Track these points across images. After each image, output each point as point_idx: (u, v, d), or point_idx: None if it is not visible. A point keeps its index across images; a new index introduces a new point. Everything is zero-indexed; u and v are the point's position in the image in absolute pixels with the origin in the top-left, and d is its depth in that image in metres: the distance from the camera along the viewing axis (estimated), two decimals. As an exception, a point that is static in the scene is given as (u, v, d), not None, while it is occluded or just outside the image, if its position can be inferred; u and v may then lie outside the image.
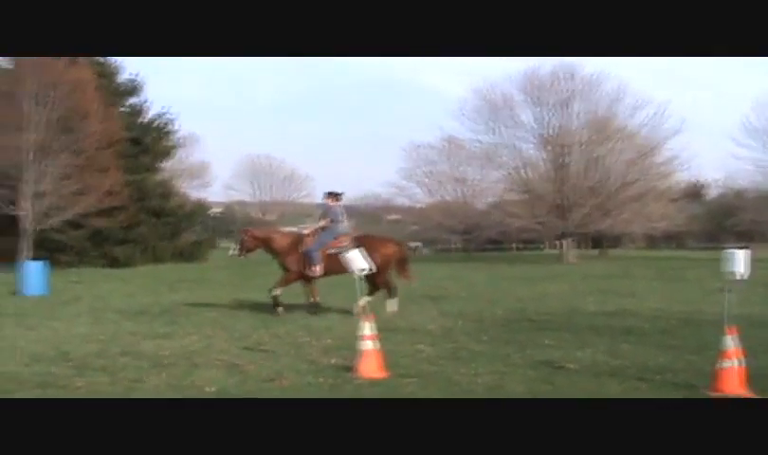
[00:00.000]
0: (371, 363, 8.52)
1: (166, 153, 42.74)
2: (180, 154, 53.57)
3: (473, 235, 60.51)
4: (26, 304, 16.90)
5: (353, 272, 10.03)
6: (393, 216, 79.24)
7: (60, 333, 12.03)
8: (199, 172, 75.85)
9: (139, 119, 39.68)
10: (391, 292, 15.07)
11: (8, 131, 28.61)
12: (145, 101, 40.77)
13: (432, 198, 61.14)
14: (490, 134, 48.06)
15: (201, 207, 49.51)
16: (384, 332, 9.33)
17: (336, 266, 14.21)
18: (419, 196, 61.98)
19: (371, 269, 10.04)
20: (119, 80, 39.53)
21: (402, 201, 66.39)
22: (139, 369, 8.90)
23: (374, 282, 14.69)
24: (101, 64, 36.79)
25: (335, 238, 14.96)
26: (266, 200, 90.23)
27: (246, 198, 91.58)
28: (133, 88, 40.08)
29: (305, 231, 15.70)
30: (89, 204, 29.59)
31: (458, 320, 13.65)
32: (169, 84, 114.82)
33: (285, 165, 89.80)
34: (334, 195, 15.60)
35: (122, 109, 37.88)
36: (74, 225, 30.83)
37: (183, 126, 47.08)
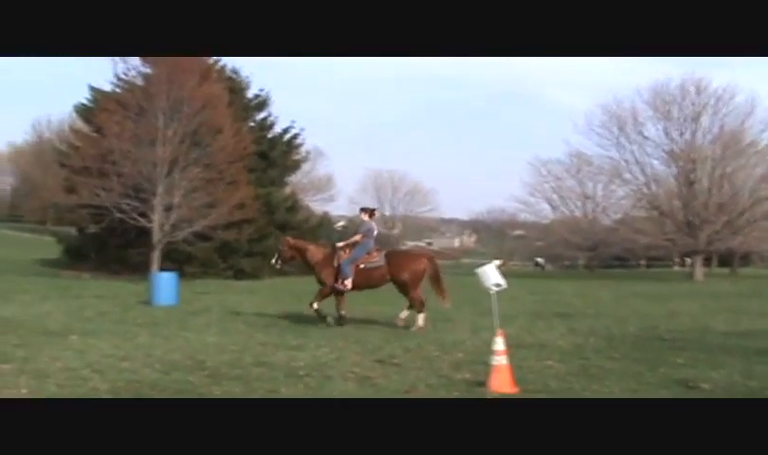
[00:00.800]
0: (503, 378, 8.28)
1: (293, 167, 43.36)
2: (306, 167, 54.41)
3: (598, 252, 59.28)
4: (158, 314, 17.14)
5: (488, 288, 9.59)
6: (518, 231, 78.70)
7: (192, 342, 12.07)
8: (324, 185, 76.94)
9: (267, 134, 40.30)
10: (418, 307, 14.90)
11: (142, 145, 29.50)
12: (272, 116, 41.46)
13: (558, 214, 60.31)
14: (617, 149, 47.02)
15: (326, 220, 50.02)
16: (512, 348, 8.95)
17: (365, 281, 15.19)
18: (545, 212, 61.33)
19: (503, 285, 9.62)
20: (248, 95, 40.25)
21: (526, 216, 65.84)
22: (275, 379, 8.83)
23: (407, 296, 15.12)
24: (232, 80, 37.59)
25: (367, 253, 15.26)
26: (390, 214, 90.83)
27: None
28: (261, 103, 40.78)
29: (340, 245, 15.74)
30: (219, 217, 30.10)
31: (588, 337, 13.23)
32: (294, 100, 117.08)
33: (409, 179, 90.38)
34: (369, 211, 16.13)
35: (251, 124, 38.55)
36: (202, 237, 31.40)
37: (308, 140, 47.62)
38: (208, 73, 32.38)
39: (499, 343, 8.42)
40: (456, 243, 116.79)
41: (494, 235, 69.35)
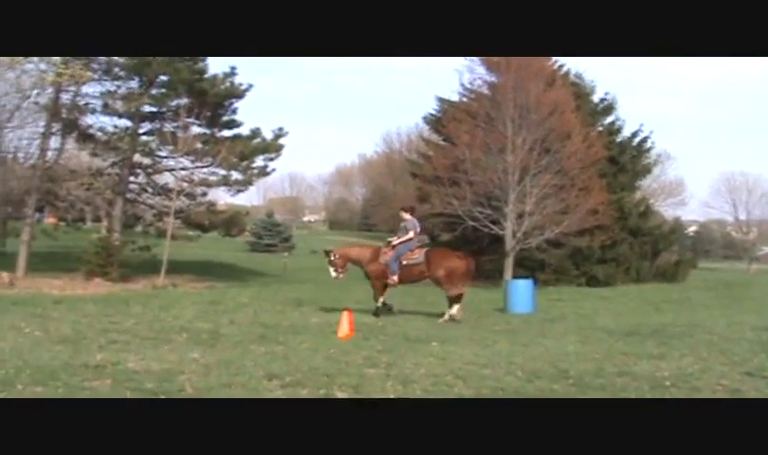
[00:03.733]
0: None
1: (643, 171, 41.82)
2: (655, 171, 52.49)
3: None
4: (514, 321, 17.01)
5: None
6: None
7: (552, 350, 11.72)
8: (674, 189, 74.11)
9: (615, 138, 39.20)
10: (456, 301, 16.42)
11: (491, 153, 29.87)
12: (619, 120, 40.30)
13: None
14: None
15: (678, 225, 47.81)
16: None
17: (407, 276, 16.68)
18: None
19: None
20: (594, 100, 39.47)
21: None
22: (639, 390, 8.32)
23: (445, 293, 16.67)
24: (576, 85, 37.03)
25: (410, 250, 16.57)
26: (745, 218, 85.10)
27: (726, 216, 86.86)
28: (607, 107, 39.76)
29: (393, 242, 16.93)
30: (571, 223, 29.64)
31: None
32: (642, 103, 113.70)
33: (763, 182, 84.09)
34: (411, 209, 17.67)
35: (598, 129, 37.72)
36: (555, 244, 31.12)
37: (657, 144, 45.71)
38: (553, 79, 32.09)
39: None
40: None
41: None
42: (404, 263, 16.44)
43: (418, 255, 16.55)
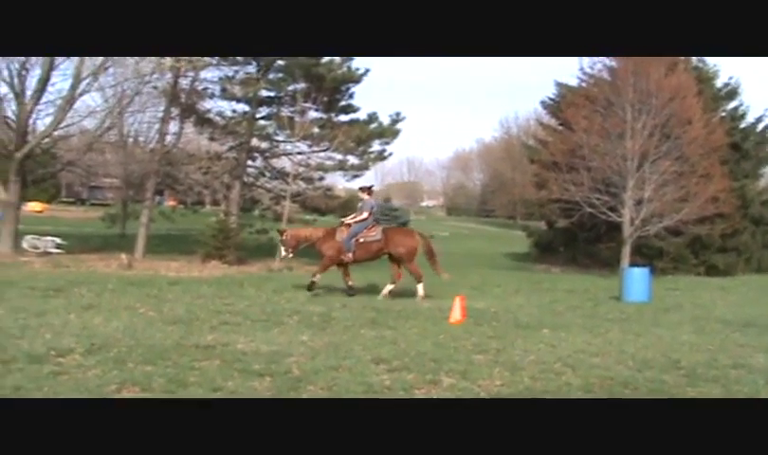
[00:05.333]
0: None
1: (766, 158, 40.35)
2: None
3: None
4: (629, 310, 16.87)
5: None
6: None
7: (665, 340, 11.66)
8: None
9: (738, 124, 37.94)
10: (417, 278, 17.19)
11: (610, 139, 29.45)
12: (743, 106, 38.95)
13: None
14: None
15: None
16: None
17: (365, 253, 17.19)
18: None
19: None
20: (717, 85, 38.26)
21: None
22: (754, 383, 8.22)
23: (407, 270, 17.35)
24: (698, 70, 36.00)
25: (366, 228, 17.05)
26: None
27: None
28: (730, 92, 38.48)
29: (346, 221, 17.55)
30: (691, 211, 28.94)
31: None
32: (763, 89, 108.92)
33: None
34: (368, 189, 18.16)
35: (721, 114, 36.59)
36: (673, 231, 30.43)
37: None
38: (674, 63, 31.29)
39: None
40: None
41: None
42: (361, 240, 17.00)
43: (375, 232, 17.18)
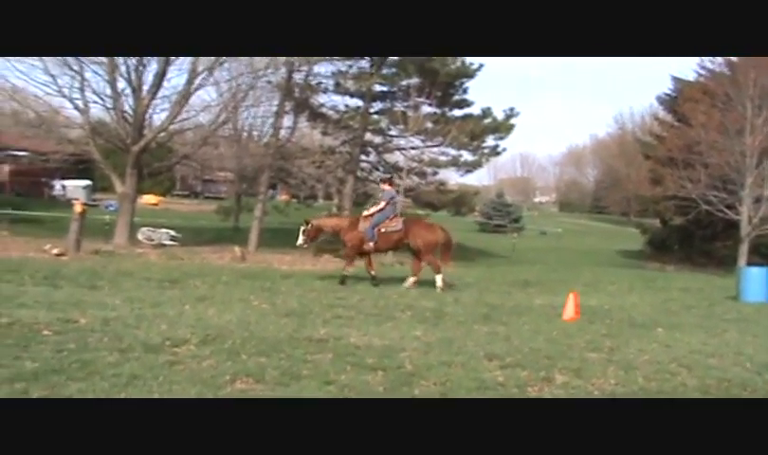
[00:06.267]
0: None
1: None
2: None
3: None
4: (746, 311, 16.44)
5: None
6: None
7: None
8: None
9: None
10: (436, 270, 17.23)
11: (728, 135, 28.72)
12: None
13: None
14: None
15: None
16: None
17: (385, 243, 17.54)
18: None
19: None
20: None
21: None
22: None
23: (420, 261, 17.35)
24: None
25: (388, 218, 17.20)
26: None
27: None
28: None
29: (365, 213, 17.83)
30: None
31: None
32: None
33: None
34: (388, 180, 18.67)
35: None
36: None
37: None
38: (799, 56, 30.26)
39: None
40: None
41: None
42: (382, 230, 17.16)
43: (396, 223, 17.33)
